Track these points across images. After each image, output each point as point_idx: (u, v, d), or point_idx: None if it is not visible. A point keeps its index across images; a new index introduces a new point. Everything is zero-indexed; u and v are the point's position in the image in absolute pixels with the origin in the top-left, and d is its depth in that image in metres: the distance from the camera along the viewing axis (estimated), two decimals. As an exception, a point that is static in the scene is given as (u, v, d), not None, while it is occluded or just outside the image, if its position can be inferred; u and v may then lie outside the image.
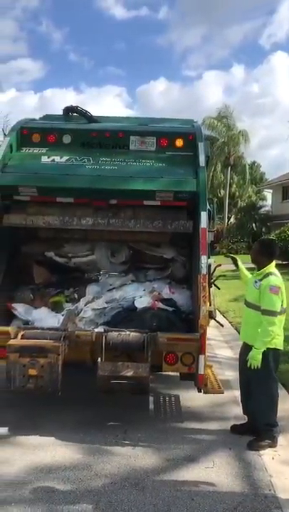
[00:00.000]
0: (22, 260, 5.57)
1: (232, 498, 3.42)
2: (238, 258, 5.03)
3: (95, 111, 6.19)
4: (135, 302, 4.89)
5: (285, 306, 4.26)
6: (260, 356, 4.10)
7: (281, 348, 4.30)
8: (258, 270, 4.40)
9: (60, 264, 5.72)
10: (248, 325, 4.41)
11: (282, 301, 4.21)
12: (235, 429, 4.53)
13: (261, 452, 4.14)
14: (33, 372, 4.15)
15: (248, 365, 4.15)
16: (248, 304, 4.44)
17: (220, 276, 7.06)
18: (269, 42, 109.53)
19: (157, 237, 5.60)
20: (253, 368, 4.13)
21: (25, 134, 5.54)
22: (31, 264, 5.66)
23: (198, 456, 4.07)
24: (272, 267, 4.35)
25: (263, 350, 4.11)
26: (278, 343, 4.23)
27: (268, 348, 4.14)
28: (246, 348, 4.35)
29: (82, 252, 5.74)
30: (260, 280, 4.27)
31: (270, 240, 6.59)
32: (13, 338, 4.37)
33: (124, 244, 5.78)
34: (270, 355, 4.19)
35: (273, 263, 4.41)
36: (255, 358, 4.10)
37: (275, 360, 4.26)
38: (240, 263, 4.97)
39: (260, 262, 4.41)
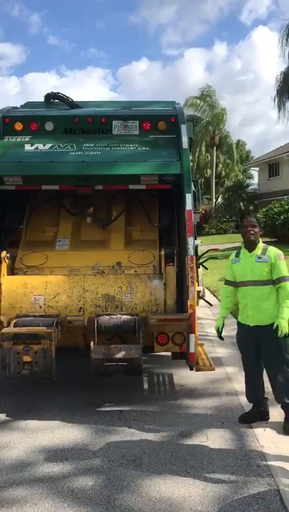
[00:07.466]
0: None
1: (225, 469, 3.55)
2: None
3: (77, 95, 6.17)
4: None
5: None
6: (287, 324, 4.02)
7: None
8: (254, 246, 4.24)
9: None
10: (260, 302, 4.15)
11: None
12: (245, 419, 4.33)
13: (253, 425, 4.27)
14: (27, 358, 4.24)
15: (279, 334, 4.00)
16: (255, 284, 4.17)
17: (210, 258, 7.18)
18: (250, 18, 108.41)
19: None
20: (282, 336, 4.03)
21: (7, 122, 5.51)
22: None
23: (192, 432, 4.20)
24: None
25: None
26: None
27: None
28: (256, 332, 4.17)
29: None
30: (263, 254, 4.19)
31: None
32: (6, 327, 4.45)
33: None
34: None
35: None
36: (285, 326, 4.00)
37: None
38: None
39: (258, 236, 4.28)
